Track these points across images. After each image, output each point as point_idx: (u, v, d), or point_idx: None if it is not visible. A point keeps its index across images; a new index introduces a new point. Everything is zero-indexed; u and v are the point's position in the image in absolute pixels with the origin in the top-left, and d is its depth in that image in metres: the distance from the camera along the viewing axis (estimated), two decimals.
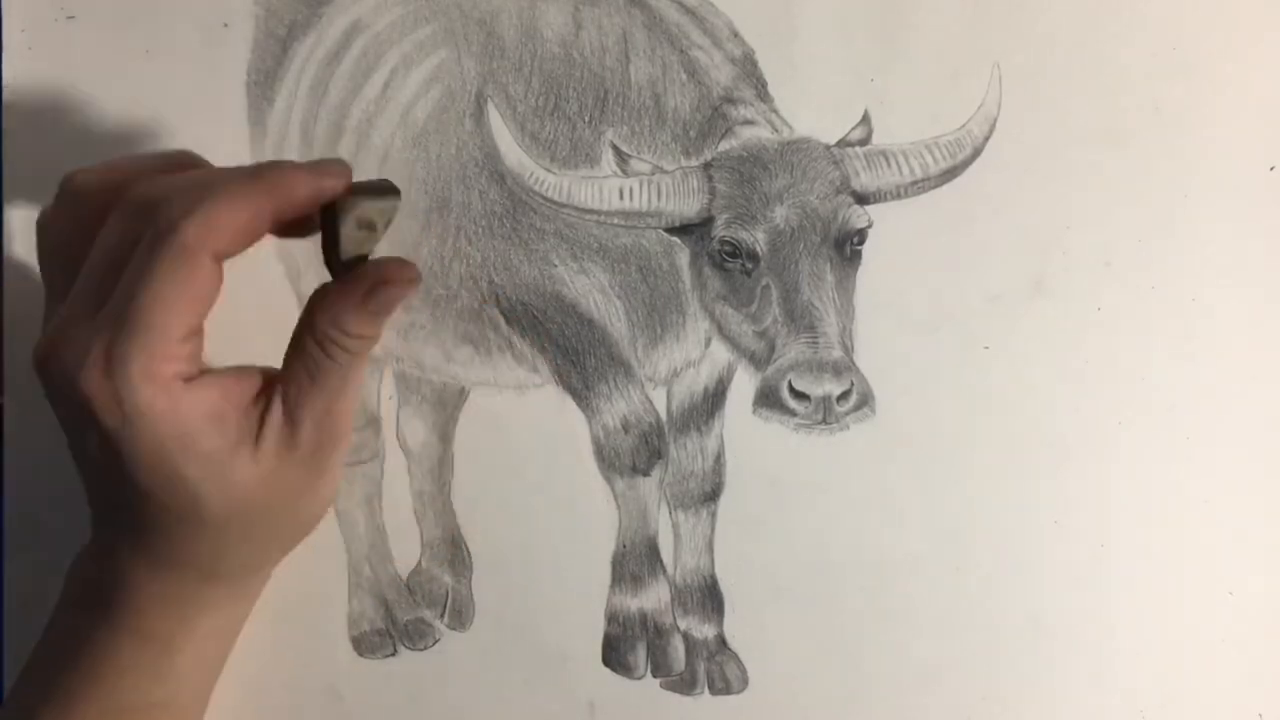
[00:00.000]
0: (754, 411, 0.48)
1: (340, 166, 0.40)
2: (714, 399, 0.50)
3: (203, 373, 0.39)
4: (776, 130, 0.49)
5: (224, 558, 0.41)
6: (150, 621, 0.41)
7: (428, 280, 0.49)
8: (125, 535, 0.41)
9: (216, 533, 0.40)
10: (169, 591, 0.41)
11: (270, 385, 0.40)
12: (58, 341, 0.38)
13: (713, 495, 0.50)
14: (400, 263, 0.39)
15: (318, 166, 0.39)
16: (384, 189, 0.40)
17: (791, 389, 0.47)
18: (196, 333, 0.38)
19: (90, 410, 0.37)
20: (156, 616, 0.41)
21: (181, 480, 0.38)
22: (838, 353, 0.47)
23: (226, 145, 0.49)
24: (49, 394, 0.39)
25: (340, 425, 0.40)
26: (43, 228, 0.42)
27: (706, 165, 0.48)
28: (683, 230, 0.49)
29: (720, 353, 0.49)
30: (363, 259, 0.40)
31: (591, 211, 0.48)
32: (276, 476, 0.39)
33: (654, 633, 0.50)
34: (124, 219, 0.38)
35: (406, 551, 0.50)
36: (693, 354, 0.50)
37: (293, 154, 0.49)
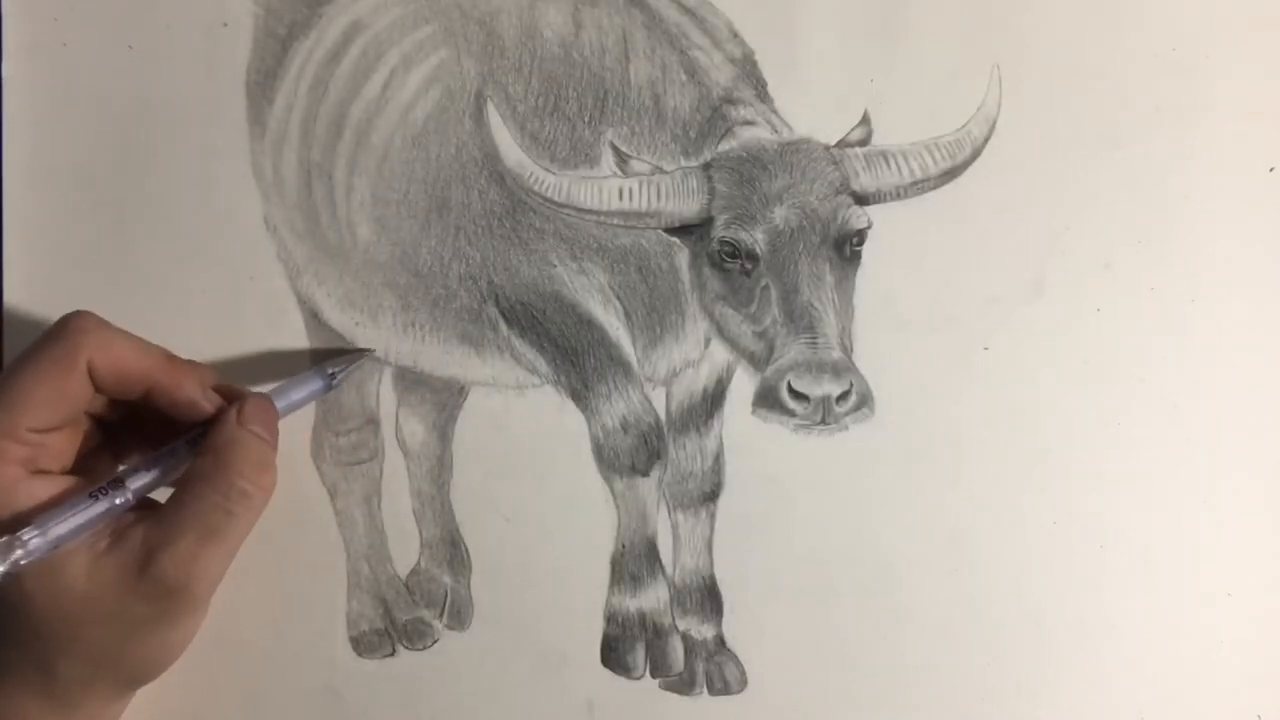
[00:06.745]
0: (753, 412, 0.48)
1: (218, 402, 0.43)
2: (713, 399, 0.50)
3: (60, 474, 0.40)
4: (776, 131, 0.49)
5: (54, 668, 0.40)
6: None
7: (428, 280, 0.49)
8: None
9: (45, 633, 0.40)
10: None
11: (144, 513, 0.41)
12: None
13: (712, 495, 0.50)
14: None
15: (211, 388, 0.43)
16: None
17: (791, 389, 0.47)
18: (56, 430, 0.40)
19: None
20: None
21: None
22: (837, 353, 0.47)
23: (226, 145, 0.49)
24: None
25: (199, 586, 0.41)
26: None
27: (706, 165, 0.48)
28: (682, 231, 0.49)
29: (719, 353, 0.49)
30: None
31: (591, 212, 0.48)
32: (115, 597, 0.40)
33: (653, 633, 0.50)
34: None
35: (405, 551, 0.50)
36: (692, 354, 0.50)
37: (292, 154, 0.49)
